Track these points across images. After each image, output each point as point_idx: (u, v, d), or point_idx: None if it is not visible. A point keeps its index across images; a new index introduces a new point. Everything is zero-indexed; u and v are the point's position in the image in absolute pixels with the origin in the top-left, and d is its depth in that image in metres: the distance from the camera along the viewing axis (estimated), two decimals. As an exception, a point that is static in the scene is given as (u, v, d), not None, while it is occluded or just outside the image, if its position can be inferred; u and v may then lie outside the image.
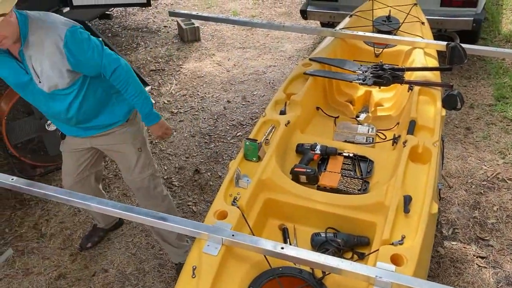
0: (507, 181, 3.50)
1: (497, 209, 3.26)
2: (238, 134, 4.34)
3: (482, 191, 3.44)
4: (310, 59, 3.05)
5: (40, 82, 2.23)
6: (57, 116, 2.44)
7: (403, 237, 1.74)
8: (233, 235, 1.75)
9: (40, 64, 2.19)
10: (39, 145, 3.90)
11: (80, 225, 3.40)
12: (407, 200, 1.87)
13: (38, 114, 3.51)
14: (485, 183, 3.51)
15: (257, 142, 2.20)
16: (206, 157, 4.06)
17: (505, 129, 4.09)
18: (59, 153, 2.76)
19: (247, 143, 2.20)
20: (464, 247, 3.01)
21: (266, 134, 2.37)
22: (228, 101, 4.87)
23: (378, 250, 1.70)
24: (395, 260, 1.66)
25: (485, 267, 2.87)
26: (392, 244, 1.71)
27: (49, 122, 3.61)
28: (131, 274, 2.97)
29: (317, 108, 2.84)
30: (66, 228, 3.39)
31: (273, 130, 2.41)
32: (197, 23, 6.23)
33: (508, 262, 2.87)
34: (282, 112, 2.55)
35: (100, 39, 2.37)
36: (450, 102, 2.40)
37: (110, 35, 6.48)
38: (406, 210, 1.84)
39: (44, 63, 2.18)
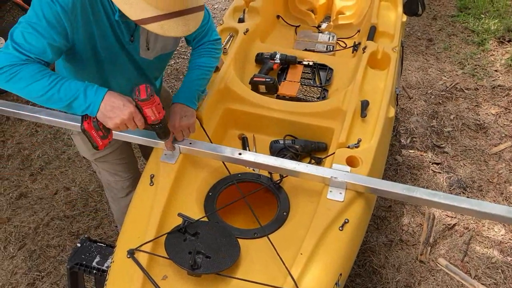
0: (465, 90, 3.57)
1: (454, 117, 3.35)
2: (199, 49, 4.20)
3: (440, 101, 3.50)
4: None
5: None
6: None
7: (359, 140, 1.76)
8: (190, 143, 1.73)
9: None
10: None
11: (38, 145, 3.31)
12: (365, 104, 1.88)
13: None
14: (443, 93, 3.57)
15: (214, 50, 2.12)
16: (166, 74, 3.94)
17: (466, 40, 4.10)
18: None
19: (204, 51, 2.12)
20: (421, 155, 3.11)
21: (224, 43, 2.29)
22: (188, 16, 4.65)
23: (334, 153, 1.72)
24: (351, 162, 1.69)
25: (440, 172, 2.99)
26: (348, 147, 1.74)
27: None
28: (94, 191, 2.96)
29: (278, 17, 2.75)
30: (24, 148, 3.30)
31: (231, 38, 2.32)
32: None
33: (461, 167, 3.00)
34: (241, 20, 2.45)
35: None
36: (411, 7, 2.35)
37: None
38: (363, 115, 1.85)
39: None
